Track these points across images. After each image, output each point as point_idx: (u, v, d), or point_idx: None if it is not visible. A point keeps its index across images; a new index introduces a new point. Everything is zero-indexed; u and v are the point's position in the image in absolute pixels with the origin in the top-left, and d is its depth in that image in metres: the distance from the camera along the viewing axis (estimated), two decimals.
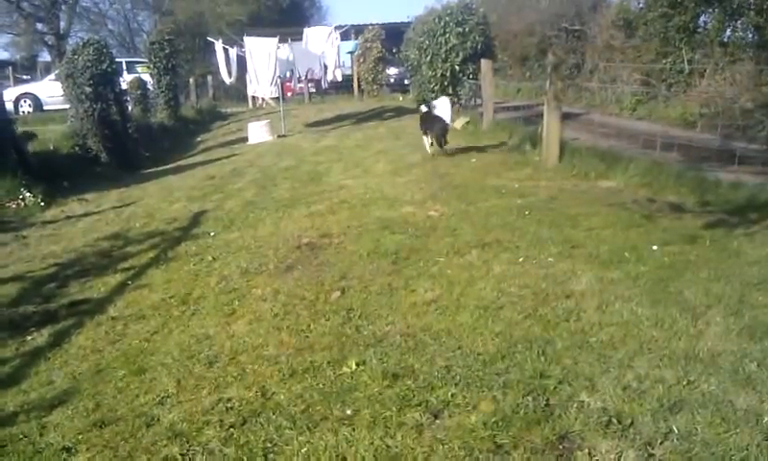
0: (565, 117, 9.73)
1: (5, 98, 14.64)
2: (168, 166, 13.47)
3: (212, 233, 7.08)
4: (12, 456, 3.15)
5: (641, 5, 18.35)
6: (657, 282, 4.57)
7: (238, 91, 25.96)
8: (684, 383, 3.25)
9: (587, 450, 2.82)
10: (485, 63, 12.99)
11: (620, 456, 2.77)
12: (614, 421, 3.00)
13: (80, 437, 3.26)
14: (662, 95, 15.87)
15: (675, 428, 2.89)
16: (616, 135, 11.63)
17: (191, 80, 26.18)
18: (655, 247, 5.31)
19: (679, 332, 3.80)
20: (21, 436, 3.34)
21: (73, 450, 3.15)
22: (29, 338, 4.70)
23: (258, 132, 15.61)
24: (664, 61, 16.26)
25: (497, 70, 15.75)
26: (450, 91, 15.83)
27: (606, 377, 3.37)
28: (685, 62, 15.73)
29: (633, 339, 3.77)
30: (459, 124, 13.82)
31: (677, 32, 15.96)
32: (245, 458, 2.93)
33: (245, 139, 15.69)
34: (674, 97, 15.58)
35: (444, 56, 15.51)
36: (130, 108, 16.69)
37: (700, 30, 16.15)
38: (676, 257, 5.08)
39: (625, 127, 13.04)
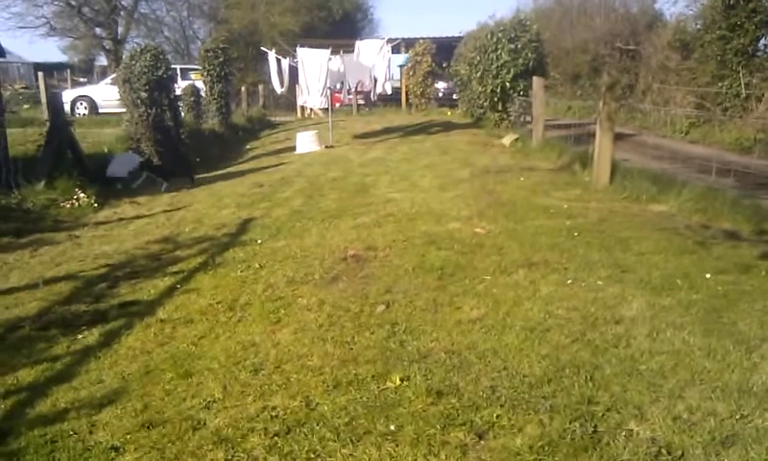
0: (617, 138, 9.58)
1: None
2: (218, 172, 13.69)
3: (259, 241, 7.16)
4: (62, 452, 3.23)
5: (699, 26, 18.01)
6: (710, 312, 4.46)
7: (287, 101, 26.30)
8: (737, 417, 3.16)
9: None
10: (537, 81, 12.89)
11: None
12: (664, 452, 2.94)
13: (128, 437, 3.33)
14: (718, 119, 15.52)
15: None
16: (670, 158, 11.40)
17: (243, 88, 26.60)
18: (708, 275, 5.18)
19: (732, 364, 3.70)
20: (71, 433, 3.42)
21: (121, 450, 3.21)
22: (80, 336, 4.80)
23: (306, 141, 15.77)
24: (720, 85, 15.91)
25: (548, 87, 15.60)
26: (500, 108, 15.79)
27: (656, 407, 3.29)
28: (743, 86, 15.36)
29: (684, 369, 3.68)
30: (508, 141, 13.74)
31: (735, 55, 15.63)
32: None
33: (293, 148, 15.86)
34: (729, 121, 15.22)
35: (494, 72, 15.46)
36: (183, 114, 17.04)
37: (759, 53, 15.77)
38: (730, 287, 4.94)
39: (679, 150, 12.78)
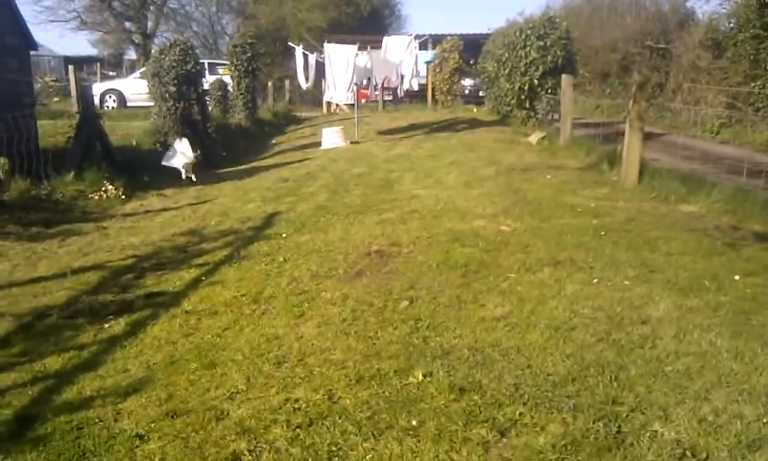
0: (646, 137, 9.46)
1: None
2: (244, 167, 13.78)
3: (284, 235, 7.19)
4: (87, 439, 3.27)
5: (732, 25, 17.70)
6: (738, 314, 4.39)
7: (313, 96, 26.39)
8: (765, 421, 3.12)
9: None
10: (565, 79, 12.77)
11: None
12: (689, 454, 2.91)
13: (152, 425, 3.36)
14: (749, 119, 15.24)
15: None
16: (700, 159, 11.23)
17: (269, 83, 26.72)
18: (737, 277, 5.10)
19: (759, 367, 3.64)
20: (97, 420, 3.47)
21: (145, 438, 3.25)
22: (106, 326, 4.86)
23: (332, 137, 15.80)
24: (753, 84, 15.62)
25: (576, 85, 15.44)
26: (527, 105, 15.66)
27: (681, 409, 3.25)
28: None
29: (711, 371, 3.63)
30: (534, 139, 13.64)
31: None
32: (310, 459, 2.96)
33: (318, 144, 15.91)
34: (762, 122, 14.94)
35: (523, 69, 15.34)
36: (210, 108, 17.16)
37: None
38: (759, 289, 4.85)
39: (709, 150, 12.58)
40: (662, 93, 19.61)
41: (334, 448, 3.04)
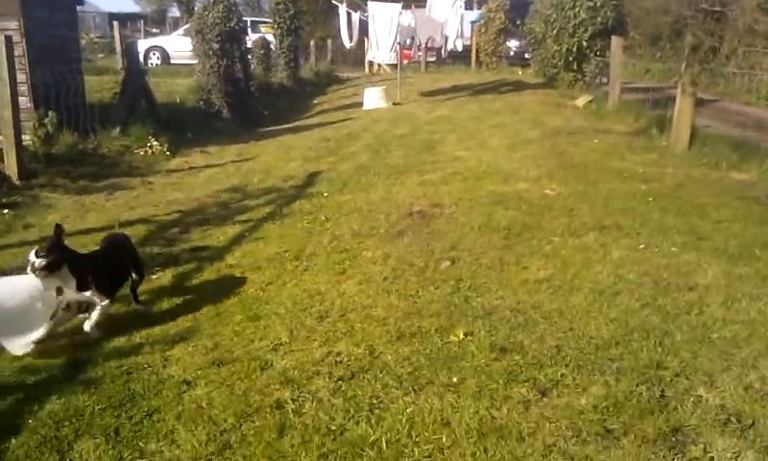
0: (697, 103, 9.15)
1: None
2: (286, 126, 13.82)
3: (326, 194, 7.22)
4: (137, 383, 3.37)
5: None
6: None
7: (356, 56, 26.20)
8: None
9: (701, 446, 2.70)
10: (615, 41, 12.41)
11: (738, 456, 2.64)
12: (733, 420, 2.86)
13: (199, 372, 3.44)
14: None
15: None
16: (753, 126, 10.84)
17: (311, 42, 26.63)
18: None
19: None
20: (146, 366, 3.56)
21: (192, 384, 3.33)
22: (153, 277, 4.96)
23: (374, 97, 15.71)
24: None
25: (626, 48, 14.99)
26: (575, 67, 15.31)
27: (727, 375, 3.20)
28: None
29: (758, 339, 3.55)
30: (581, 102, 13.35)
31: None
32: (351, 410, 3.00)
33: (360, 104, 15.83)
34: None
35: (571, 30, 14.96)
36: (252, 66, 17.19)
37: None
38: None
39: (763, 117, 12.14)
40: (716, 58, 18.94)
41: (375, 401, 3.08)
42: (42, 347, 3.71)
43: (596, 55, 14.75)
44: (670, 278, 4.40)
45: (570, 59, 15.23)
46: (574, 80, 15.56)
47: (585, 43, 14.82)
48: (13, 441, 2.88)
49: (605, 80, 13.66)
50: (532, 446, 2.72)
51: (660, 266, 4.60)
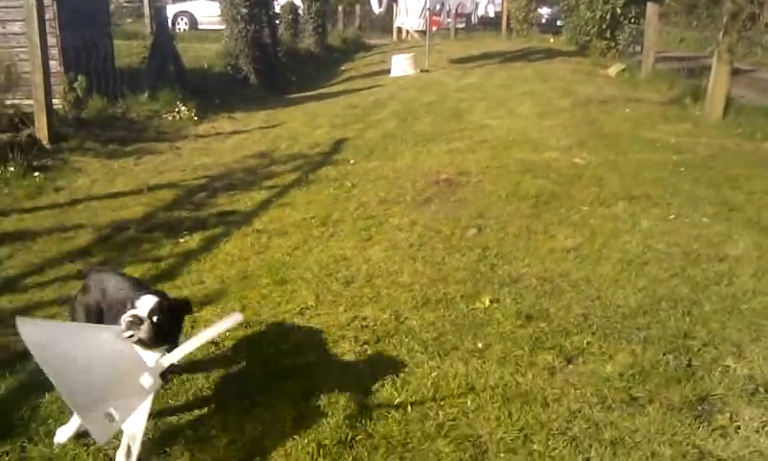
0: (733, 73, 8.95)
1: None
2: (312, 92, 13.77)
3: (352, 161, 7.20)
4: None
5: None
6: None
7: (384, 23, 25.95)
8: None
9: (728, 415, 2.69)
10: (651, 7, 12.12)
11: (765, 426, 2.62)
12: (761, 390, 2.85)
13: (227, 334, 3.45)
14: None
15: None
16: None
17: (339, 8, 26.39)
18: None
19: None
20: None
21: (220, 345, 3.37)
22: (182, 240, 5.02)
23: (401, 65, 15.56)
24: None
25: (661, 16, 14.63)
26: (608, 35, 15.01)
27: (756, 346, 3.18)
28: None
29: None
30: (614, 71, 13.10)
31: None
32: (377, 373, 3.02)
33: (387, 71, 15.71)
34: None
35: None
36: (280, 32, 17.09)
37: None
38: None
39: None
40: (755, 26, 18.38)
41: (400, 365, 3.10)
42: None
43: (630, 22, 14.43)
44: (700, 248, 4.35)
45: (603, 26, 14.95)
46: (607, 48, 15.27)
47: (619, 10, 14.53)
48: (47, 396, 2.93)
49: (638, 48, 13.38)
50: (557, 411, 2.72)
51: (689, 237, 4.54)
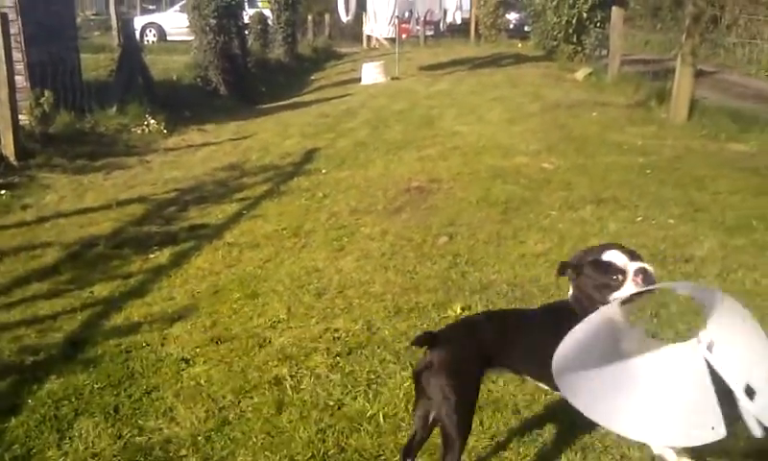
0: (697, 74, 9.12)
1: None
2: (283, 102, 13.73)
3: (324, 171, 7.21)
4: (136, 361, 3.39)
5: None
6: None
7: (353, 31, 25.97)
8: None
9: None
10: (616, 12, 12.30)
11: None
12: None
13: (197, 350, 3.46)
14: None
15: None
16: (754, 97, 10.83)
17: (309, 17, 26.35)
18: None
19: None
20: (144, 344, 3.58)
21: (191, 362, 3.35)
22: (152, 256, 4.97)
23: (372, 73, 15.60)
24: None
25: (626, 20, 14.89)
26: (575, 40, 15.21)
27: None
28: None
29: (755, 310, 3.45)
30: (581, 75, 13.27)
31: None
32: (349, 386, 3.02)
33: (358, 80, 15.73)
34: None
35: (571, 1, 14.87)
36: (249, 42, 17.02)
37: None
38: None
39: (764, 89, 12.11)
40: (717, 28, 18.75)
41: (373, 376, 3.10)
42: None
43: (596, 26, 14.64)
44: (667, 249, 4.42)
45: (570, 31, 15.15)
46: (574, 52, 15.47)
47: (585, 15, 14.73)
48: (13, 420, 2.90)
49: (605, 52, 13.57)
50: (527, 419, 2.75)
51: (656, 238, 4.62)
